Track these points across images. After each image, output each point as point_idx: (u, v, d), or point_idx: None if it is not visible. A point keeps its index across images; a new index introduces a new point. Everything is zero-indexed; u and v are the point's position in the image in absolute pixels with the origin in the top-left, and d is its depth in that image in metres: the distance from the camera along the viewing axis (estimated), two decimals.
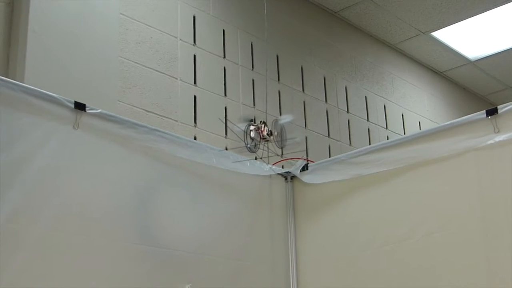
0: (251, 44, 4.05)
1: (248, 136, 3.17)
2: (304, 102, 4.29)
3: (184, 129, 3.40)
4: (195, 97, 3.58)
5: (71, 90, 2.73)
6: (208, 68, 3.72)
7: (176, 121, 3.41)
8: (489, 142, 2.74)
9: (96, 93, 3.07)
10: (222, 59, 3.83)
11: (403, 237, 2.94)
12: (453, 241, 2.79)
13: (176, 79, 3.52)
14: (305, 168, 3.37)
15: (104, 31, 3.26)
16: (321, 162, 3.35)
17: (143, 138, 2.84)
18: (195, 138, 3.46)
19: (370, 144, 4.54)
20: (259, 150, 3.22)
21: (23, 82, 2.66)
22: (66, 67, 3.06)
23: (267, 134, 3.18)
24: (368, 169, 3.12)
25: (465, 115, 2.85)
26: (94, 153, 2.67)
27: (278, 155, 3.34)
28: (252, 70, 3.99)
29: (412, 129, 5.02)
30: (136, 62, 3.36)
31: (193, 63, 3.65)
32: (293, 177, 3.41)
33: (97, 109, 2.68)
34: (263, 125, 3.18)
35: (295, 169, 3.37)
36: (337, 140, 4.41)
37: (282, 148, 3.34)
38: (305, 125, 4.24)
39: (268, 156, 3.24)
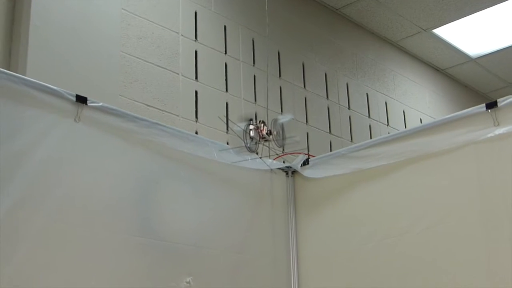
0: (253, 40, 4.06)
1: (247, 135, 3.18)
2: (305, 98, 4.30)
3: (185, 124, 3.41)
4: (196, 92, 3.59)
5: (72, 85, 2.74)
6: (209, 63, 3.74)
7: (177, 116, 3.42)
8: (489, 135, 2.75)
9: (97, 88, 3.08)
10: (224, 55, 3.84)
11: (403, 230, 2.95)
12: (453, 233, 2.79)
13: (178, 74, 3.53)
14: (306, 162, 3.38)
15: (106, 26, 3.28)
16: (322, 157, 3.36)
17: (144, 132, 2.85)
18: (196, 133, 3.47)
19: None
20: (259, 149, 3.23)
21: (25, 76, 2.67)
22: (67, 61, 3.08)
23: (267, 133, 3.19)
24: (368, 163, 3.13)
25: None
26: (95, 146, 2.68)
27: (277, 154, 3.35)
28: (254, 66, 4.00)
29: (413, 126, 5.01)
30: (137, 57, 3.37)
31: (194, 58, 3.67)
32: (294, 172, 3.42)
33: (98, 103, 2.69)
34: (262, 125, 3.18)
35: (296, 163, 3.39)
36: (339, 137, 4.42)
37: (282, 147, 3.35)
38: (307, 121, 4.24)
39: (269, 156, 3.25)
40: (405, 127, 5.08)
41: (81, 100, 2.64)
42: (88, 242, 2.56)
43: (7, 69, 2.56)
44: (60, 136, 2.57)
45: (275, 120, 3.23)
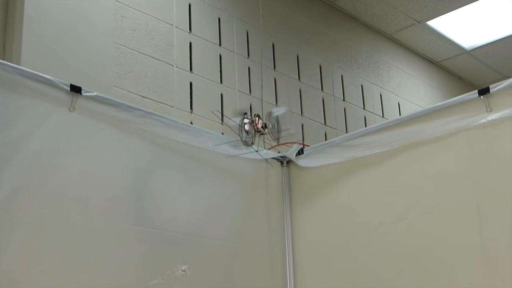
0: (247, 33, 4.07)
1: (242, 129, 3.19)
2: (300, 90, 4.32)
3: (180, 115, 3.42)
4: (191, 83, 3.61)
5: (67, 76, 2.75)
6: (204, 55, 3.75)
7: (172, 107, 3.44)
8: (482, 121, 2.76)
9: (92, 79, 3.09)
10: (218, 46, 3.85)
11: (398, 217, 2.96)
12: (447, 220, 2.81)
13: (172, 66, 3.54)
14: (300, 152, 3.39)
15: (100, 18, 3.29)
16: (316, 146, 3.38)
17: (139, 121, 2.87)
18: (191, 124, 3.48)
19: None
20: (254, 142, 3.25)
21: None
22: (61, 53, 3.09)
23: (262, 126, 3.20)
24: (362, 152, 3.14)
25: None
26: (90, 135, 2.70)
27: (272, 145, 3.37)
28: (248, 58, 4.01)
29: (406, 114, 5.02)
30: (132, 49, 3.38)
31: (189, 50, 3.68)
32: (289, 161, 3.44)
33: (92, 92, 2.70)
34: (257, 118, 3.20)
35: (290, 153, 3.40)
36: (333, 128, 4.44)
37: (277, 140, 3.37)
38: (301, 113, 4.26)
39: (264, 146, 3.26)
40: None
41: (76, 89, 2.66)
42: (83, 231, 2.57)
43: (1, 60, 2.57)
44: (54, 126, 2.58)
45: (270, 113, 3.25)
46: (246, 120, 3.16)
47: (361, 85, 4.89)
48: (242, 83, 3.91)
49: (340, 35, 4.87)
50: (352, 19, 5.03)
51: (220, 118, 3.50)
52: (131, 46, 3.38)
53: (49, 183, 2.51)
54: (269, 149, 3.36)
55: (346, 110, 4.65)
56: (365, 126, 4.76)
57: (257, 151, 3.21)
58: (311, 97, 4.38)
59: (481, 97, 2.77)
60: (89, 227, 2.59)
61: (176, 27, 3.65)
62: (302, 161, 3.37)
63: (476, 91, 2.80)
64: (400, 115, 5.14)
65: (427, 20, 5.12)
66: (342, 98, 4.66)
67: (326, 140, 4.34)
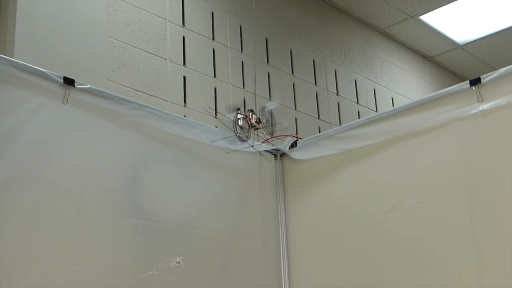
0: (240, 27, 4.08)
1: (236, 125, 3.21)
2: (293, 84, 4.33)
3: (174, 109, 3.43)
4: (184, 77, 3.61)
5: (60, 69, 2.75)
6: (197, 49, 3.76)
7: (166, 100, 3.45)
8: (473, 111, 2.78)
9: (85, 72, 3.10)
10: (211, 41, 3.86)
11: (390, 208, 2.98)
12: (439, 210, 2.83)
13: (166, 59, 3.55)
14: (294, 145, 3.41)
15: (93, 12, 3.30)
16: (310, 139, 3.39)
17: (132, 114, 2.88)
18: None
19: None
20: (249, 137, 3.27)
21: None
22: (55, 46, 3.09)
23: (256, 121, 3.22)
24: (356, 143, 3.16)
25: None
26: (83, 127, 2.71)
27: (266, 138, 3.39)
28: (241, 52, 4.02)
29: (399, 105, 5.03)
30: (125, 43, 3.39)
31: (182, 44, 3.69)
32: (283, 154, 3.45)
33: (86, 84, 2.71)
34: (250, 113, 3.21)
35: (284, 146, 3.42)
36: (327, 122, 4.45)
37: (272, 134, 3.38)
38: (295, 107, 4.27)
39: (257, 139, 3.28)
40: None
41: (69, 82, 2.67)
42: (76, 222, 2.58)
43: None
44: (48, 118, 2.59)
45: (263, 108, 3.26)
46: (239, 116, 3.17)
47: (355, 80, 4.90)
48: (236, 77, 3.92)
49: (334, 30, 4.88)
50: (345, 14, 5.04)
51: (214, 113, 3.52)
52: (124, 40, 3.39)
53: (43, 175, 2.52)
54: (262, 142, 3.37)
55: (340, 104, 4.66)
56: None
57: (252, 146, 3.23)
58: (304, 92, 4.40)
59: (473, 87, 2.79)
60: (82, 219, 2.60)
61: (169, 21, 3.66)
62: (295, 154, 3.39)
63: (468, 81, 2.81)
64: None
65: (420, 15, 5.14)
66: (336, 92, 4.67)
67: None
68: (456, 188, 2.79)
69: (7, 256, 2.33)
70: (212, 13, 3.93)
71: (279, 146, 3.43)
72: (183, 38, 3.70)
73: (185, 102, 3.55)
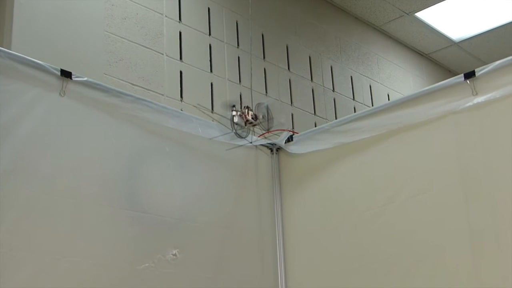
0: (236, 23, 4.09)
1: (232, 122, 3.23)
2: (289, 80, 4.35)
3: (170, 103, 3.44)
4: (181, 72, 3.63)
5: (57, 63, 2.75)
6: (193, 44, 3.77)
7: (163, 95, 3.46)
8: (468, 104, 2.81)
9: (82, 66, 3.10)
10: (208, 36, 3.88)
11: (386, 201, 3.00)
12: (434, 202, 2.85)
13: (162, 54, 3.57)
14: (290, 139, 3.43)
15: (90, 6, 3.31)
16: (306, 133, 3.41)
17: (129, 107, 2.89)
18: None
19: None
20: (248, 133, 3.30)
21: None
22: (52, 40, 3.10)
23: (252, 118, 3.24)
24: (351, 137, 3.18)
25: None
26: (80, 120, 2.72)
27: (266, 138, 3.42)
28: (238, 48, 4.04)
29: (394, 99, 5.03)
30: (122, 37, 3.40)
31: (178, 39, 3.70)
32: (279, 148, 3.47)
33: (83, 77, 2.73)
34: (246, 110, 3.23)
35: (280, 140, 3.44)
36: (323, 118, 4.47)
37: (268, 130, 3.40)
38: (291, 103, 4.29)
39: (253, 133, 3.30)
40: None
41: (66, 74, 2.69)
42: (74, 214, 2.60)
43: None
44: (45, 110, 2.60)
45: (259, 104, 3.28)
46: (234, 113, 3.19)
47: (351, 76, 4.92)
48: (232, 73, 3.93)
49: (329, 27, 4.90)
50: (341, 11, 5.06)
51: (205, 110, 3.53)
52: (121, 34, 3.41)
53: (40, 167, 2.54)
54: (259, 136, 3.39)
55: (336, 100, 4.68)
56: None
57: (251, 143, 3.25)
58: (301, 87, 4.41)
59: (467, 81, 2.82)
60: (79, 211, 2.62)
61: (166, 16, 3.67)
62: (291, 148, 3.41)
63: (462, 75, 2.84)
64: None
65: (416, 12, 5.15)
66: (332, 88, 4.69)
67: None
68: (452, 181, 2.81)
69: (5, 247, 2.34)
70: (209, 9, 3.95)
71: (275, 141, 3.45)
72: (180, 33, 3.72)
73: (181, 96, 3.56)
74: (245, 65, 3.99)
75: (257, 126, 3.28)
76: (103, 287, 2.60)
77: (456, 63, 5.98)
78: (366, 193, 3.08)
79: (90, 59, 3.19)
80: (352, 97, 4.85)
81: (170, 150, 3.02)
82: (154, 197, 2.89)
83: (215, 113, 3.62)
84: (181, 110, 3.40)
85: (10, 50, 2.83)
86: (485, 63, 5.78)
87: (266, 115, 3.26)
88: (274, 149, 3.47)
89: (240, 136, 3.23)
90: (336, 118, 4.60)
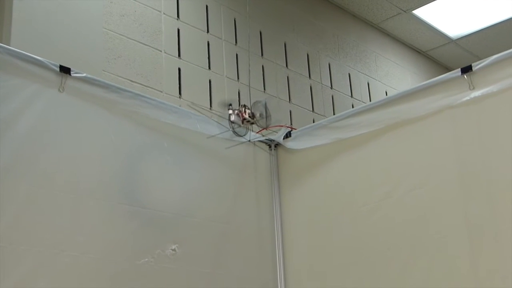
0: (234, 20, 4.11)
1: (229, 121, 3.25)
2: (287, 77, 4.36)
3: (169, 99, 3.45)
4: (179, 69, 3.64)
5: (56, 60, 2.77)
6: (192, 41, 3.78)
7: (161, 91, 3.47)
8: (465, 99, 2.82)
9: (81, 63, 3.11)
10: (206, 33, 3.89)
11: (384, 195, 3.01)
12: (432, 196, 2.86)
13: (161, 51, 3.58)
14: (288, 135, 3.44)
15: (89, 3, 3.32)
16: (304, 129, 3.43)
17: (128, 103, 2.91)
18: None
19: None
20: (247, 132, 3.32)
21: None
22: (51, 37, 3.11)
23: (249, 116, 3.25)
24: (349, 132, 3.20)
25: None
26: (79, 115, 2.74)
27: (263, 136, 3.43)
28: (236, 45, 4.05)
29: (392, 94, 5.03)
30: (120, 34, 3.42)
31: (177, 36, 3.71)
32: (277, 144, 3.49)
33: (82, 73, 2.75)
34: (243, 108, 3.25)
35: (278, 136, 3.45)
36: (321, 115, 4.48)
37: (266, 128, 3.42)
38: (289, 100, 4.30)
39: (252, 130, 3.31)
40: None
41: (65, 70, 2.70)
42: (73, 209, 2.61)
43: None
44: (44, 106, 2.62)
45: (256, 102, 3.29)
46: (231, 111, 3.21)
47: (349, 74, 4.93)
48: (230, 70, 3.94)
49: (327, 25, 4.91)
50: (339, 9, 5.07)
51: (209, 97, 3.55)
52: (119, 31, 3.42)
53: (39, 162, 2.55)
54: (257, 132, 3.40)
55: (334, 97, 4.69)
56: None
57: (249, 141, 3.26)
58: (299, 84, 4.43)
59: (464, 75, 2.83)
60: (78, 205, 2.63)
61: (164, 13, 3.68)
62: (289, 144, 3.42)
63: (459, 69, 2.85)
64: None
65: (413, 9, 5.17)
66: (330, 86, 4.70)
67: None
68: (449, 175, 2.83)
69: (5, 241, 2.36)
70: (207, 6, 3.96)
71: (274, 137, 3.46)
72: (178, 30, 3.73)
73: (180, 93, 3.57)
74: (243, 62, 4.01)
75: (254, 124, 3.29)
76: (102, 282, 2.61)
77: (453, 60, 5.99)
78: (364, 188, 3.10)
79: (89, 56, 3.20)
80: (350, 95, 4.86)
81: (168, 145, 3.03)
82: (153, 193, 2.90)
83: (213, 110, 3.64)
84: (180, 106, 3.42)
85: (10, 44, 2.85)
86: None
87: (264, 113, 3.28)
88: (273, 145, 3.48)
89: (238, 135, 3.25)
90: (334, 115, 4.61)
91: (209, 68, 3.82)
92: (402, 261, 2.90)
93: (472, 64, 2.80)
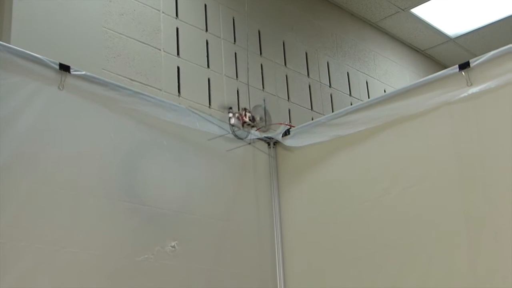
0: (233, 19, 4.12)
1: (230, 124, 3.28)
2: (286, 75, 4.37)
3: (168, 98, 3.45)
4: (178, 67, 3.65)
5: (56, 58, 2.79)
6: (190, 40, 3.79)
7: (160, 90, 3.48)
8: (463, 95, 2.83)
9: (80, 61, 3.12)
10: (205, 32, 3.90)
11: (382, 192, 3.03)
12: (431, 192, 2.88)
13: (160, 50, 3.59)
14: (287, 133, 3.46)
15: (88, 2, 3.33)
16: (302, 126, 3.44)
17: (127, 101, 2.93)
18: None
19: None
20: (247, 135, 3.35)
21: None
22: (50, 36, 3.12)
23: (249, 119, 3.28)
24: (347, 130, 3.21)
25: None
26: (79, 113, 2.75)
27: (263, 139, 3.46)
28: (234, 43, 4.06)
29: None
30: (120, 33, 3.43)
31: (176, 35, 3.72)
32: (276, 142, 3.50)
33: (81, 71, 2.76)
34: (244, 111, 3.27)
35: (277, 134, 3.47)
36: (320, 113, 4.49)
37: (266, 131, 3.45)
38: (288, 98, 4.31)
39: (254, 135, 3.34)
40: None
41: (64, 68, 2.72)
42: (74, 206, 2.63)
43: None
44: (44, 103, 2.64)
45: (257, 106, 3.32)
46: (231, 114, 3.23)
47: (347, 72, 4.94)
48: (229, 68, 3.96)
49: (326, 24, 4.92)
50: (337, 8, 5.09)
51: (208, 95, 3.56)
52: (118, 30, 3.43)
53: (39, 159, 2.57)
54: (256, 129, 3.42)
55: (333, 96, 4.70)
56: None
57: (249, 144, 3.28)
58: (297, 83, 4.44)
59: (462, 71, 2.85)
60: (79, 202, 2.65)
61: (163, 12, 3.69)
62: (288, 141, 3.44)
63: (457, 66, 2.86)
64: None
65: (411, 8, 5.18)
66: (329, 84, 4.71)
67: None
68: (448, 171, 2.84)
69: (5, 238, 2.37)
70: (205, 5, 3.97)
71: (272, 134, 3.48)
72: (177, 29, 3.74)
73: (179, 91, 3.59)
74: (242, 61, 4.02)
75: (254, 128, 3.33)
76: (102, 278, 2.63)
77: (452, 58, 5.99)
78: (363, 184, 3.11)
79: (89, 55, 3.21)
80: (348, 93, 4.87)
81: (168, 143, 3.05)
82: (153, 190, 2.92)
83: (212, 108, 3.65)
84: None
85: (10, 43, 2.86)
86: None
87: (264, 117, 3.31)
88: (271, 142, 3.50)
89: (239, 137, 3.27)
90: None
91: (208, 66, 3.83)
92: (401, 257, 2.91)
93: (470, 61, 2.82)
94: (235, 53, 4.03)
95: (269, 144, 3.50)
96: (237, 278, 3.13)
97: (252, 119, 3.32)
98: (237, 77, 3.97)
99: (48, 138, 2.61)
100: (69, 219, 2.58)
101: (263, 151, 3.45)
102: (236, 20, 4.12)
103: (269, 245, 3.30)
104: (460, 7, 5.23)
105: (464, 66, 2.83)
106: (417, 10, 5.22)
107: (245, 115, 3.30)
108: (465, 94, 2.82)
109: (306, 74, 4.55)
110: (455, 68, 2.86)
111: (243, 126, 3.29)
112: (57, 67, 2.69)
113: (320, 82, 4.64)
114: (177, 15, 3.77)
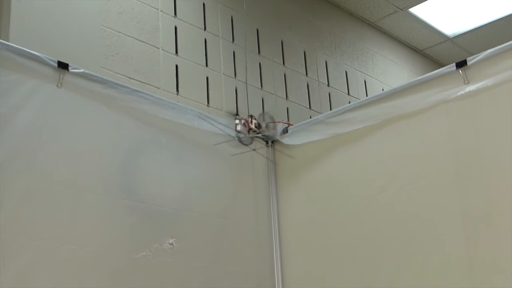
0: (231, 18, 4.13)
1: (236, 131, 3.30)
2: (284, 74, 4.38)
3: (167, 96, 3.46)
4: (176, 66, 3.66)
5: (55, 56, 2.80)
6: (189, 39, 3.80)
7: (159, 88, 3.49)
8: (460, 93, 2.84)
9: (79, 59, 3.12)
10: (203, 31, 3.91)
11: (380, 190, 3.04)
12: (428, 190, 2.89)
13: (158, 48, 3.60)
14: (285, 131, 3.47)
15: (87, 1, 3.33)
16: (300, 124, 3.46)
17: (126, 98, 2.94)
18: None
19: None
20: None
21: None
22: (49, 34, 3.12)
23: (255, 126, 3.30)
24: (345, 128, 3.22)
25: None
26: (77, 111, 2.77)
27: (261, 138, 3.47)
28: (233, 42, 4.07)
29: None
30: (118, 32, 3.43)
31: (174, 34, 3.73)
32: (274, 141, 3.51)
33: (80, 69, 2.77)
34: (250, 118, 3.29)
35: (275, 132, 3.47)
36: (318, 112, 4.50)
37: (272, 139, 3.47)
38: (286, 97, 4.32)
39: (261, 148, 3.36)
40: None
41: (63, 66, 2.73)
42: (72, 203, 2.64)
43: None
44: (42, 101, 2.65)
45: (262, 113, 3.34)
46: (237, 121, 3.25)
47: (345, 71, 4.95)
48: (227, 67, 3.96)
49: (324, 23, 4.93)
50: (336, 7, 5.10)
51: (207, 93, 3.57)
52: (117, 29, 3.44)
53: (38, 157, 2.58)
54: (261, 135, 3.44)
55: (331, 95, 4.71)
56: None
57: (254, 150, 3.30)
58: (296, 82, 4.45)
59: (459, 70, 2.86)
60: (77, 200, 2.66)
61: (161, 11, 3.70)
62: (286, 140, 3.45)
63: (454, 64, 2.88)
64: None
65: (410, 7, 5.19)
66: (327, 83, 4.72)
67: None
68: (445, 169, 2.85)
69: (4, 235, 2.38)
70: (204, 4, 3.98)
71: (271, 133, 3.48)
72: (175, 27, 3.75)
73: (177, 90, 3.59)
74: (240, 59, 4.03)
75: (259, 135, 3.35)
76: (100, 275, 2.64)
77: (450, 58, 5.99)
78: (361, 182, 3.12)
79: (87, 53, 3.22)
80: (347, 92, 4.88)
81: (167, 141, 3.06)
82: (151, 187, 2.93)
83: (211, 107, 3.66)
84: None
85: (8, 40, 2.86)
86: None
87: (269, 125, 3.33)
88: (270, 141, 3.50)
89: (243, 144, 3.29)
90: None
91: (206, 65, 3.84)
92: (398, 255, 2.92)
93: (467, 59, 2.83)
94: (234, 52, 4.04)
95: (267, 143, 3.51)
96: (235, 276, 3.14)
97: (258, 126, 3.34)
98: (235, 75, 3.98)
99: (46, 136, 2.62)
100: (67, 216, 2.59)
101: (261, 149, 3.46)
102: (234, 19, 4.13)
103: (267, 242, 3.31)
104: (458, 6, 5.24)
105: (461, 64, 2.84)
106: (415, 10, 5.23)
107: (251, 122, 3.32)
108: (462, 92, 2.83)
109: (305, 73, 4.56)
110: (452, 66, 2.87)
111: (248, 132, 3.31)
112: (56, 65, 2.70)
113: (319, 81, 4.65)
114: (175, 13, 3.78)
